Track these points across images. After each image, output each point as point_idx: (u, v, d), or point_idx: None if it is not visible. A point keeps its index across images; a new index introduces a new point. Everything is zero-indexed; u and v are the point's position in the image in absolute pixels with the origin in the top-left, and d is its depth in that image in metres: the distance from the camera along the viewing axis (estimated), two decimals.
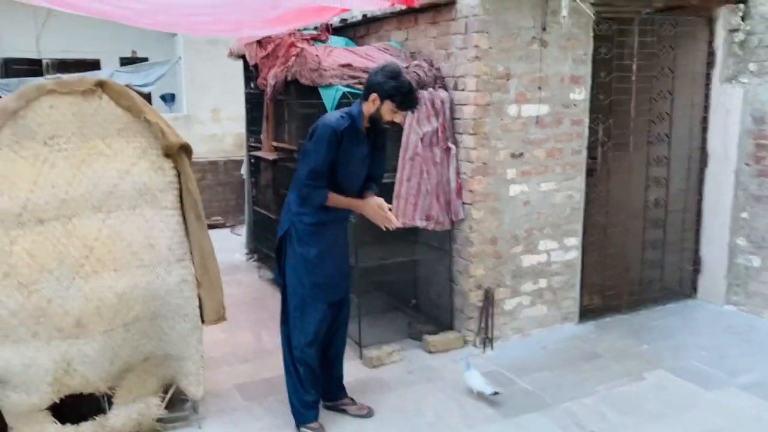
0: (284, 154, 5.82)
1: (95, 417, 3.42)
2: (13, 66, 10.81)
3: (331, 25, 5.57)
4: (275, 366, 4.10)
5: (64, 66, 11.67)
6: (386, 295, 5.52)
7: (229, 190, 9.79)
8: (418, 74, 4.54)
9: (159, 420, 3.59)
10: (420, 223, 4.56)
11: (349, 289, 3.75)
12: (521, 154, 4.63)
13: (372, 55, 4.81)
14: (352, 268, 4.21)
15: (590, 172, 5.03)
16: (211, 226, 9.20)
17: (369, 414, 3.78)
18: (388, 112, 3.33)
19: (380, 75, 3.29)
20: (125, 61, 11.53)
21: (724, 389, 4.04)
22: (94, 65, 11.58)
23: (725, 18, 5.24)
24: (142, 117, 3.31)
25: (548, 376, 4.26)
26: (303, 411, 3.58)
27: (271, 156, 6.01)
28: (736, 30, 5.19)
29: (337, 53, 4.78)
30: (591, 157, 5.02)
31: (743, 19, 5.17)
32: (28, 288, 3.13)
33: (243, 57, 6.38)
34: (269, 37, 5.52)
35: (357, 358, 4.49)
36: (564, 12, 4.32)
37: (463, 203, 4.61)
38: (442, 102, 4.53)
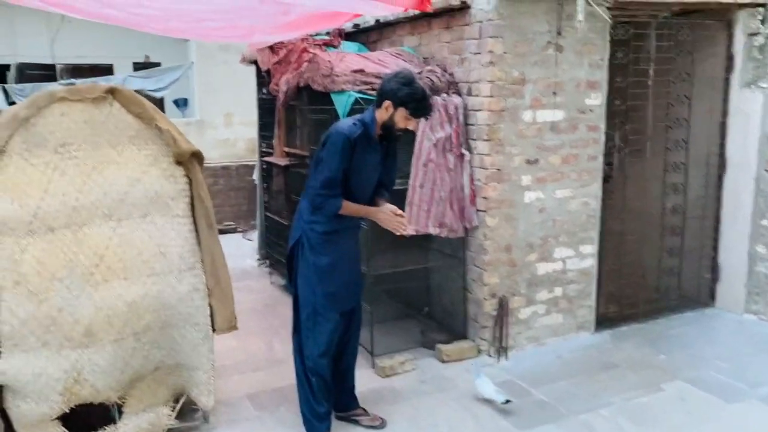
0: (296, 159, 5.79)
1: (105, 427, 3.40)
2: (27, 71, 10.85)
3: (344, 30, 5.54)
4: (287, 375, 4.05)
5: (78, 71, 11.73)
6: (399, 302, 5.47)
7: (242, 195, 9.78)
8: (431, 80, 4.49)
9: (169, 430, 3.55)
10: (433, 231, 4.51)
11: (360, 297, 3.70)
12: (536, 161, 4.57)
13: (385, 61, 4.76)
14: (364, 275, 4.16)
15: (606, 179, 4.96)
16: (223, 231, 9.24)
17: (382, 425, 3.72)
18: (402, 119, 3.28)
19: (394, 82, 3.24)
20: (138, 66, 11.56)
21: (745, 401, 3.95)
22: (107, 70, 11.62)
23: (744, 22, 5.14)
24: (154, 124, 3.28)
25: (564, 387, 4.18)
26: (315, 422, 3.53)
27: (282, 162, 5.97)
28: (755, 34, 5.10)
29: (349, 59, 4.74)
30: (607, 163, 4.95)
31: (763, 22, 5.08)
32: (38, 297, 3.10)
33: (255, 62, 6.36)
34: (281, 42, 5.49)
35: (369, 367, 4.44)
36: (580, 16, 4.26)
37: (477, 210, 4.55)
38: (456, 108, 4.47)
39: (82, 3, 3.81)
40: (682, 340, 4.90)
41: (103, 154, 3.21)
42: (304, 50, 5.19)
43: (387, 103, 3.25)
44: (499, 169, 4.46)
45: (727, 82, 5.29)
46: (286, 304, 5.33)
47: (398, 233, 3.38)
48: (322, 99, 4.81)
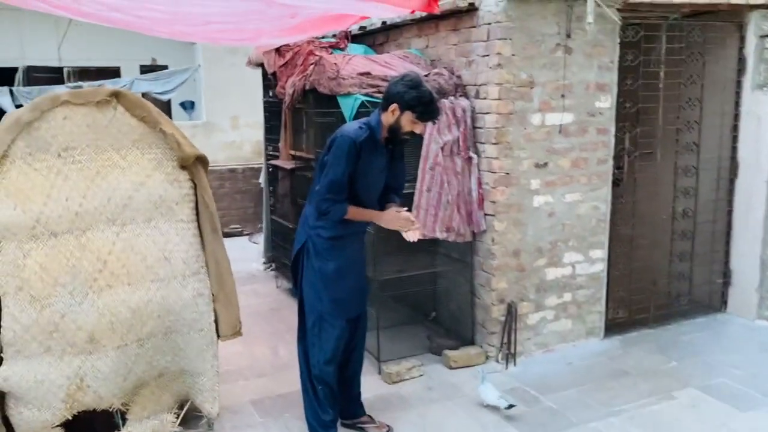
0: (302, 163, 5.75)
1: None
2: (34, 74, 10.88)
3: (350, 32, 5.49)
4: (292, 381, 4.01)
5: (85, 74, 11.75)
6: (405, 307, 5.41)
7: (248, 198, 9.75)
8: (438, 82, 4.44)
9: None
10: (440, 235, 4.45)
11: (366, 303, 3.64)
12: (545, 164, 4.51)
13: (391, 63, 4.71)
14: (370, 280, 4.11)
15: (616, 183, 4.90)
16: (229, 235, 9.23)
17: None
18: (409, 122, 3.23)
19: (400, 85, 3.19)
20: (145, 69, 11.57)
21: (759, 410, 3.87)
22: (114, 73, 11.64)
23: (756, 23, 5.07)
24: (158, 128, 3.24)
25: (573, 394, 4.12)
26: (320, 431, 3.48)
27: (288, 165, 5.93)
28: (767, 36, 5.02)
29: (355, 61, 4.69)
30: (617, 166, 4.89)
31: None
32: (40, 302, 3.07)
33: (261, 65, 6.33)
34: (287, 45, 5.45)
35: (376, 373, 4.38)
36: (589, 18, 4.20)
37: (485, 214, 4.49)
38: (464, 111, 4.42)
39: (87, 7, 3.79)
40: (694, 346, 4.82)
41: (107, 159, 3.18)
42: (311, 53, 5.15)
43: (393, 106, 3.20)
44: (507, 173, 4.40)
45: (738, 84, 5.21)
46: (291, 308, 5.29)
47: (408, 236, 3.32)
48: (329, 102, 4.76)
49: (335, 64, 4.64)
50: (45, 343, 3.10)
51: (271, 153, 6.75)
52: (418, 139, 4.36)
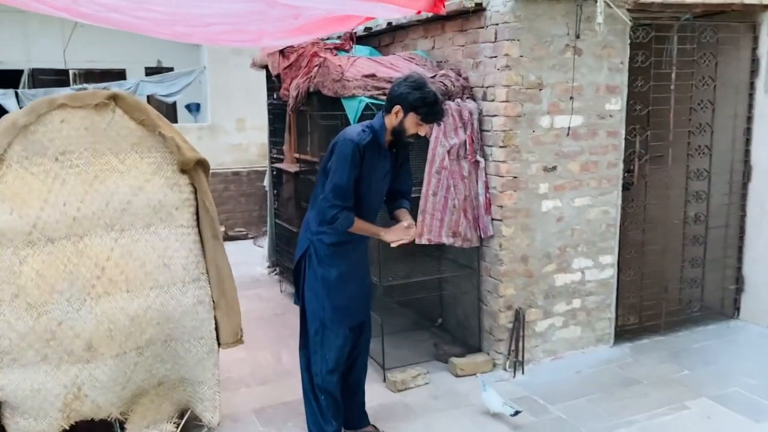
0: (306, 166, 5.67)
1: None
2: (40, 76, 10.88)
3: (355, 33, 5.42)
4: (295, 388, 3.92)
5: (91, 76, 11.75)
6: (411, 313, 5.33)
7: (253, 201, 9.69)
8: (444, 84, 4.35)
9: None
10: (447, 240, 4.36)
11: (370, 310, 3.56)
12: (554, 168, 4.41)
13: (397, 65, 4.63)
14: (375, 286, 4.03)
15: (627, 187, 4.80)
16: (234, 238, 9.17)
17: None
18: (413, 124, 3.14)
19: (403, 86, 3.11)
20: (151, 71, 11.55)
21: None
22: (119, 75, 11.64)
23: None
24: (157, 131, 3.17)
25: (583, 404, 4.02)
26: None
27: (292, 168, 5.86)
28: None
29: (360, 63, 4.62)
30: (627, 170, 4.79)
31: None
32: (37, 310, 3.00)
33: (266, 67, 6.26)
34: (292, 47, 5.38)
35: (380, 381, 4.30)
36: (599, 19, 4.10)
37: (493, 219, 4.40)
38: (470, 113, 4.34)
39: (86, 8, 3.72)
40: (706, 354, 4.71)
41: (105, 163, 3.11)
42: (315, 54, 5.08)
43: (397, 108, 3.11)
44: (515, 177, 4.31)
45: (752, 86, 5.11)
46: (295, 313, 5.16)
47: (395, 244, 3.24)
48: (333, 104, 4.68)
49: (339, 65, 4.57)
50: (41, 351, 3.03)
51: (275, 156, 6.68)
52: (424, 142, 4.29)
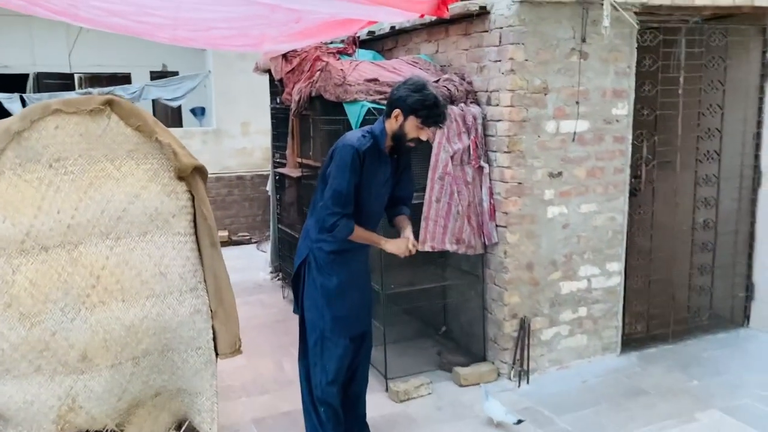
0: (309, 171, 5.61)
1: None
2: (45, 80, 10.87)
3: (359, 38, 5.36)
4: (296, 399, 3.83)
5: (96, 80, 11.75)
6: (414, 321, 5.25)
7: (256, 205, 9.64)
8: (448, 89, 4.29)
9: None
10: (450, 247, 4.29)
11: (371, 320, 3.48)
12: (560, 174, 4.33)
13: (400, 69, 4.57)
14: (377, 293, 3.96)
15: (634, 193, 4.71)
16: (237, 243, 9.13)
17: None
18: (413, 128, 3.06)
19: (403, 89, 3.04)
20: (156, 75, 11.54)
21: None
22: (124, 79, 11.63)
23: None
24: (154, 137, 3.10)
25: (589, 415, 3.93)
26: None
27: (295, 173, 5.80)
28: None
29: (363, 67, 4.55)
30: (634, 176, 4.71)
31: None
32: (30, 320, 2.94)
33: (269, 71, 6.21)
34: (295, 51, 5.33)
35: (382, 390, 4.22)
36: (605, 22, 4.02)
37: (497, 226, 4.32)
38: (474, 118, 4.26)
39: (86, 12, 3.68)
40: (716, 363, 4.61)
41: (100, 169, 3.04)
42: (317, 58, 5.02)
43: (396, 111, 3.04)
44: (520, 183, 4.23)
45: (761, 90, 5.02)
46: (297, 320, 5.14)
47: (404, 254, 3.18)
48: (335, 109, 4.62)
49: (342, 70, 4.50)
50: (35, 362, 2.97)
51: (278, 161, 6.62)
52: (426, 147, 4.22)
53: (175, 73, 11.15)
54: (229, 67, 10.19)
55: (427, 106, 2.99)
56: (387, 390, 4.22)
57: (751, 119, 5.06)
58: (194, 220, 3.29)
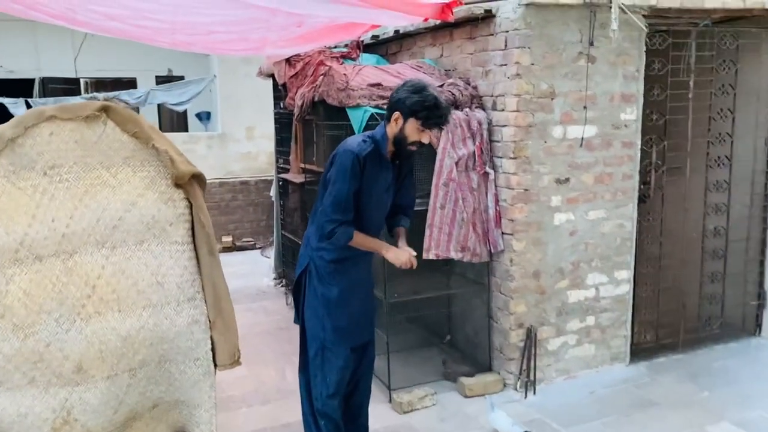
0: (312, 176, 5.54)
1: None
2: (50, 85, 10.87)
3: (362, 42, 5.29)
4: (297, 409, 3.74)
5: (101, 85, 11.76)
6: (418, 329, 5.17)
7: (261, 210, 9.59)
8: (453, 93, 4.21)
9: None
10: (455, 255, 4.20)
11: (374, 331, 3.40)
12: (567, 180, 4.25)
13: (403, 74, 4.49)
14: (380, 302, 3.88)
15: (643, 199, 4.62)
16: (241, 248, 9.08)
17: None
18: (414, 131, 2.98)
19: (402, 91, 2.96)
20: (161, 80, 11.53)
21: None
22: (130, 84, 11.64)
23: None
24: (150, 144, 3.03)
25: (598, 428, 3.84)
26: None
27: (298, 179, 5.74)
28: None
29: (366, 72, 4.48)
30: (643, 182, 4.61)
31: None
32: (24, 331, 2.86)
33: (272, 76, 6.16)
34: (298, 55, 5.27)
35: (385, 401, 4.14)
36: (614, 25, 3.95)
37: (503, 233, 4.24)
38: (480, 123, 4.19)
39: (83, 16, 3.64)
40: (727, 374, 4.51)
41: (96, 177, 2.96)
42: (321, 63, 4.96)
43: (396, 114, 2.96)
44: (526, 189, 4.15)
45: None
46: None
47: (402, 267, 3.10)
48: (338, 114, 4.55)
49: (344, 74, 4.44)
50: (29, 373, 2.89)
51: (281, 166, 6.56)
52: (431, 152, 4.15)
53: (181, 78, 11.13)
54: (234, 71, 10.17)
55: (427, 107, 2.91)
56: (390, 401, 4.14)
57: (763, 123, 4.96)
58: (192, 229, 3.23)
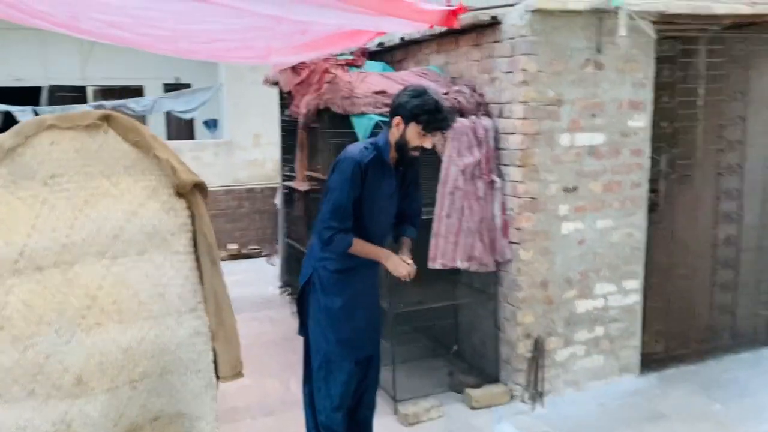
0: (317, 184, 5.50)
1: None
2: (57, 93, 10.92)
3: (368, 49, 5.26)
4: (302, 421, 3.70)
5: (109, 93, 11.79)
6: (425, 339, 5.10)
7: (267, 218, 9.56)
8: (458, 100, 4.17)
9: None
10: (461, 265, 4.15)
11: (379, 343, 3.34)
12: (575, 188, 4.19)
13: (409, 81, 4.45)
14: (385, 313, 3.82)
15: (652, 208, 4.54)
16: (247, 256, 9.04)
17: None
18: (415, 135, 2.92)
19: (402, 96, 2.92)
20: (169, 88, 11.56)
21: None
22: (137, 92, 11.66)
23: None
24: (152, 153, 3.00)
25: None
26: None
27: (303, 187, 5.70)
28: None
29: (371, 79, 4.45)
30: (653, 190, 4.54)
31: None
32: (24, 342, 2.83)
33: (278, 84, 6.13)
34: (304, 63, 5.24)
35: (391, 413, 4.08)
36: (622, 31, 3.90)
37: (510, 242, 4.18)
38: (486, 131, 4.14)
39: (86, 24, 3.62)
40: (739, 385, 4.42)
41: (97, 186, 2.93)
42: (326, 71, 4.93)
43: (397, 119, 2.92)
44: (533, 198, 4.09)
45: None
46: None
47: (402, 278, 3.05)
48: (343, 122, 4.52)
49: (349, 82, 4.40)
50: (28, 386, 2.86)
51: (287, 174, 6.53)
52: (436, 161, 4.10)
53: (188, 86, 11.16)
54: (241, 79, 10.18)
55: (428, 111, 2.86)
56: (396, 413, 4.08)
57: None
58: (194, 238, 3.19)
